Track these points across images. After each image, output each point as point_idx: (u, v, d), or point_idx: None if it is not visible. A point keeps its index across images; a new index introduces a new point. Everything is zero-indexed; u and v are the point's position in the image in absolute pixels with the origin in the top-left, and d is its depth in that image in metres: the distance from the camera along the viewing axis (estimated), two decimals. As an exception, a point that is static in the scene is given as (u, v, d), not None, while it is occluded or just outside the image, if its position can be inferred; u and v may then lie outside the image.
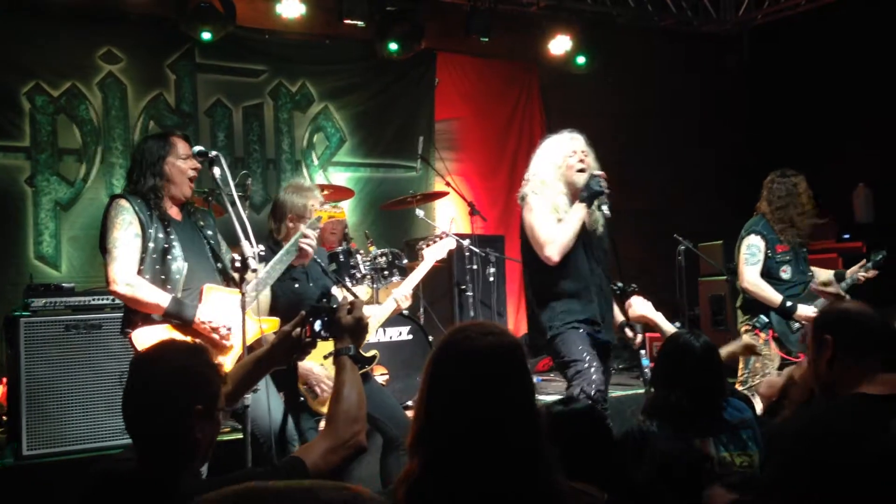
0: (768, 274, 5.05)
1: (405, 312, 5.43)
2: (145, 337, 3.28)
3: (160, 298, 3.30)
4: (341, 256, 5.50)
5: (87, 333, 4.61)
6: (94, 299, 4.77)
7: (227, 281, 3.59)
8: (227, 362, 3.38)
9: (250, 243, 3.27)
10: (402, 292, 4.48)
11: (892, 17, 7.54)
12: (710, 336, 7.23)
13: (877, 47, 7.80)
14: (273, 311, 3.88)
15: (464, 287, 6.37)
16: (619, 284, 4.04)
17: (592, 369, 3.73)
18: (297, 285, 4.02)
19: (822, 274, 5.23)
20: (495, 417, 1.59)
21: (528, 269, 4.14)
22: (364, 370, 4.21)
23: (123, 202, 3.41)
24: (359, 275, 5.70)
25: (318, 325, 2.31)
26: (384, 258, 5.85)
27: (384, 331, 5.46)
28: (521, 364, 1.69)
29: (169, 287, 3.37)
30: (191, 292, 3.44)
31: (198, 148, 3.49)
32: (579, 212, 3.90)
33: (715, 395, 2.68)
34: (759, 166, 5.37)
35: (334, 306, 2.36)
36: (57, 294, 4.75)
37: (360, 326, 2.27)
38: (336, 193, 6.47)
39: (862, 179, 7.99)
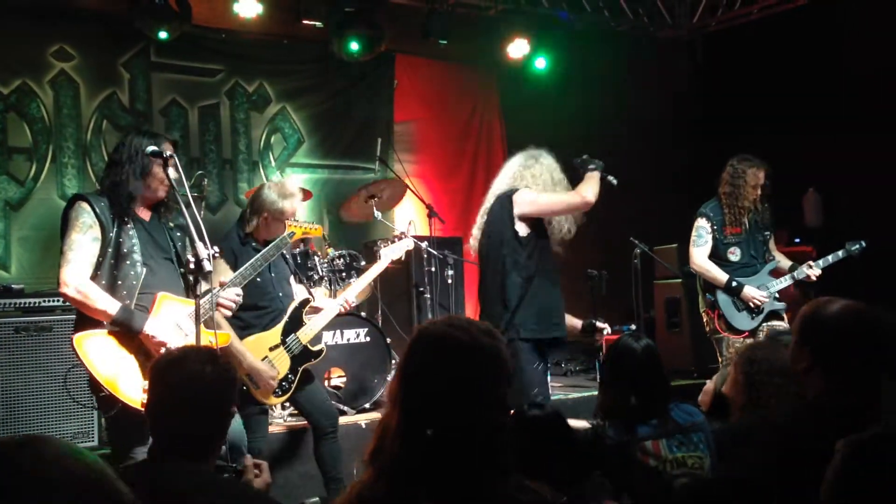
0: (717, 255, 5.23)
1: (363, 315, 5.42)
2: (87, 343, 3.21)
3: (108, 306, 3.23)
4: (298, 258, 5.48)
5: (38, 336, 4.53)
6: (44, 301, 4.69)
7: (188, 287, 3.51)
8: None
9: (205, 245, 3.23)
10: (351, 293, 4.52)
11: (841, 26, 7.74)
12: (666, 338, 7.35)
13: (826, 54, 7.98)
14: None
15: (422, 289, 6.37)
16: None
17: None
18: (258, 279, 4.05)
19: (785, 263, 5.37)
20: (476, 415, 1.59)
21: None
22: (307, 364, 4.28)
23: (85, 205, 3.33)
24: (316, 276, 5.69)
25: None
26: (342, 260, 5.84)
27: (342, 333, 5.43)
28: (507, 365, 1.69)
29: (125, 293, 3.30)
30: (149, 296, 3.37)
31: (151, 148, 3.43)
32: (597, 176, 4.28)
33: (660, 395, 2.74)
34: (713, 170, 5.47)
35: (239, 468, 2.32)
36: (6, 296, 4.66)
37: (268, 491, 2.31)
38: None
39: (812, 184, 8.16)
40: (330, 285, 5.76)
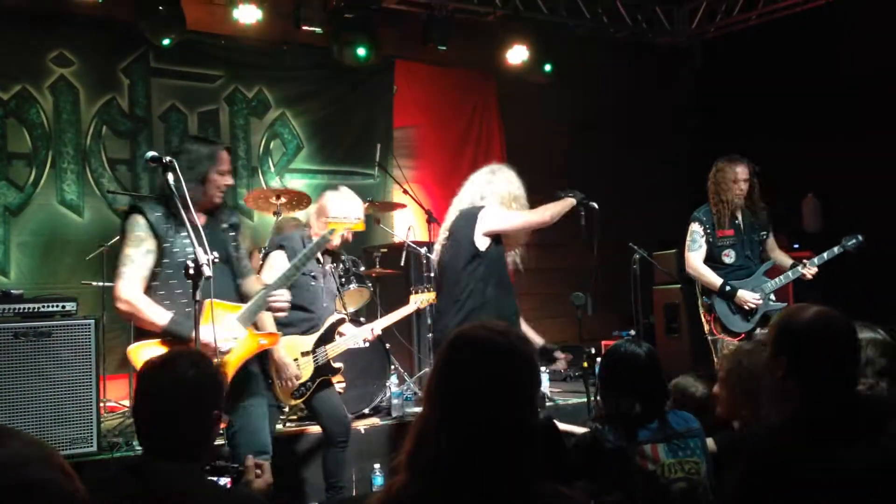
0: (712, 258, 5.26)
1: (362, 320, 5.42)
2: (141, 354, 3.27)
3: (158, 317, 3.32)
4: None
5: (37, 341, 4.52)
6: (43, 306, 4.68)
7: (237, 290, 3.64)
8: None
9: (204, 250, 3.24)
10: (378, 325, 4.79)
11: (840, 31, 7.75)
12: (665, 344, 7.33)
13: (824, 60, 8.00)
14: None
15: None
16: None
17: None
18: (313, 282, 4.26)
19: (785, 261, 5.35)
20: (511, 414, 1.64)
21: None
22: (324, 377, 4.43)
23: (139, 218, 3.42)
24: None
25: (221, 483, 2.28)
26: (342, 265, 5.84)
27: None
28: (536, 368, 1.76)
29: (184, 301, 3.37)
30: (202, 302, 3.42)
31: (151, 153, 3.44)
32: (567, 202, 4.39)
33: (660, 399, 2.77)
34: (711, 176, 5.48)
35: (240, 468, 2.34)
36: (5, 301, 4.65)
37: (268, 490, 2.33)
38: (294, 198, 6.40)
39: (811, 189, 8.17)
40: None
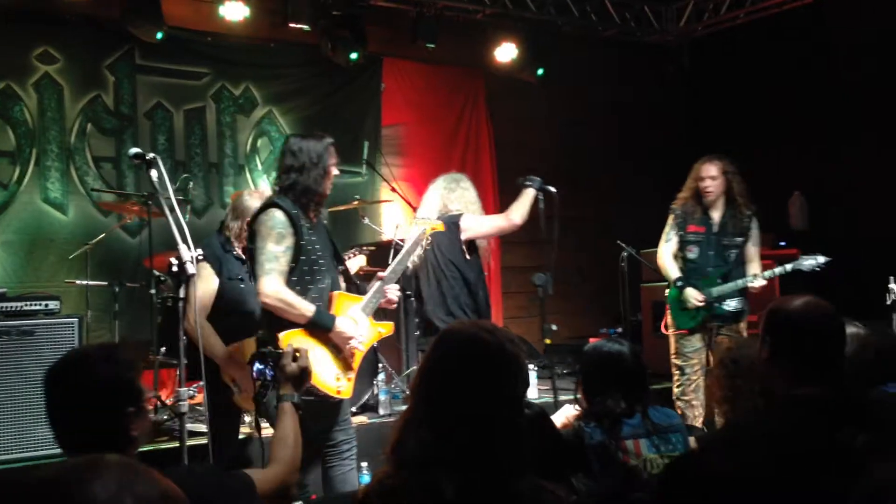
0: (681, 250, 5.33)
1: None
2: (294, 341, 3.37)
3: (306, 309, 3.49)
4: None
5: (19, 340, 4.49)
6: (26, 305, 4.65)
7: (346, 282, 3.85)
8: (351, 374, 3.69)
9: (188, 247, 3.23)
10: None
11: (828, 30, 7.78)
12: (652, 342, 7.34)
13: (813, 59, 8.03)
14: (217, 309, 4.10)
15: (409, 293, 6.34)
16: None
17: None
18: (242, 285, 4.16)
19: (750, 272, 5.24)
20: (495, 412, 1.67)
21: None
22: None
23: (280, 214, 3.51)
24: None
25: (255, 371, 2.48)
26: None
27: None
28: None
29: (315, 295, 3.55)
30: (321, 295, 3.61)
31: (134, 150, 3.44)
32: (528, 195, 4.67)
33: (643, 395, 2.80)
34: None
35: (279, 352, 2.45)
36: (-13, 299, 4.62)
37: (304, 375, 2.40)
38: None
39: (797, 187, 8.20)
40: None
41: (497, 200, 7.98)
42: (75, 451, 1.98)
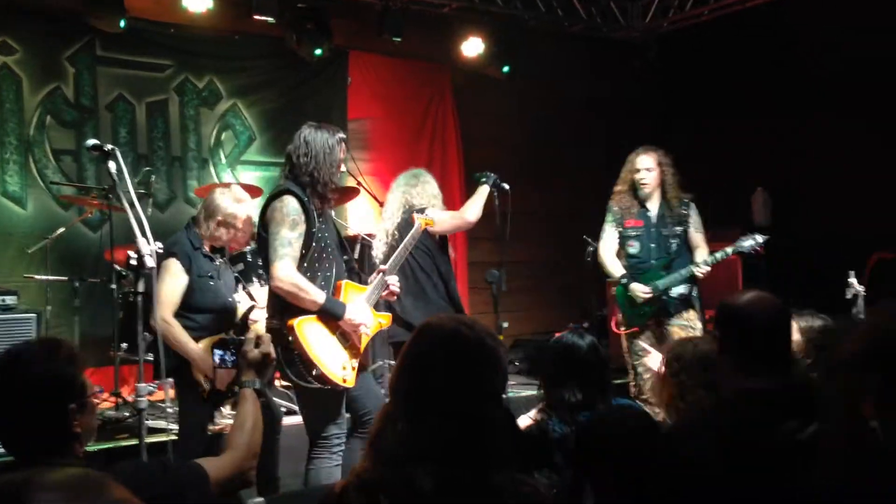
0: (623, 246, 5.30)
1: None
2: (305, 327, 3.52)
3: (318, 296, 3.53)
4: (249, 256, 5.37)
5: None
6: (-14, 299, 4.56)
7: (350, 272, 3.88)
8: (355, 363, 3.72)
9: (147, 241, 3.19)
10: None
11: (793, 26, 7.86)
12: (617, 337, 7.36)
13: (775, 55, 8.12)
14: (187, 306, 4.06)
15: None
16: None
17: None
18: (211, 282, 4.16)
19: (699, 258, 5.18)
20: (474, 406, 1.67)
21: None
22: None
23: (294, 201, 3.54)
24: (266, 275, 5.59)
25: (217, 357, 2.56)
26: (241, 264, 5.74)
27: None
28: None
29: (322, 283, 3.60)
30: (328, 283, 3.64)
31: (91, 141, 3.37)
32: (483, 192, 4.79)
33: (604, 387, 2.83)
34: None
35: (241, 339, 2.48)
36: (-56, 294, 4.52)
37: (266, 362, 2.39)
38: (246, 191, 6.29)
39: (761, 183, 8.29)
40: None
41: (464, 195, 7.96)
42: (18, 450, 1.93)
